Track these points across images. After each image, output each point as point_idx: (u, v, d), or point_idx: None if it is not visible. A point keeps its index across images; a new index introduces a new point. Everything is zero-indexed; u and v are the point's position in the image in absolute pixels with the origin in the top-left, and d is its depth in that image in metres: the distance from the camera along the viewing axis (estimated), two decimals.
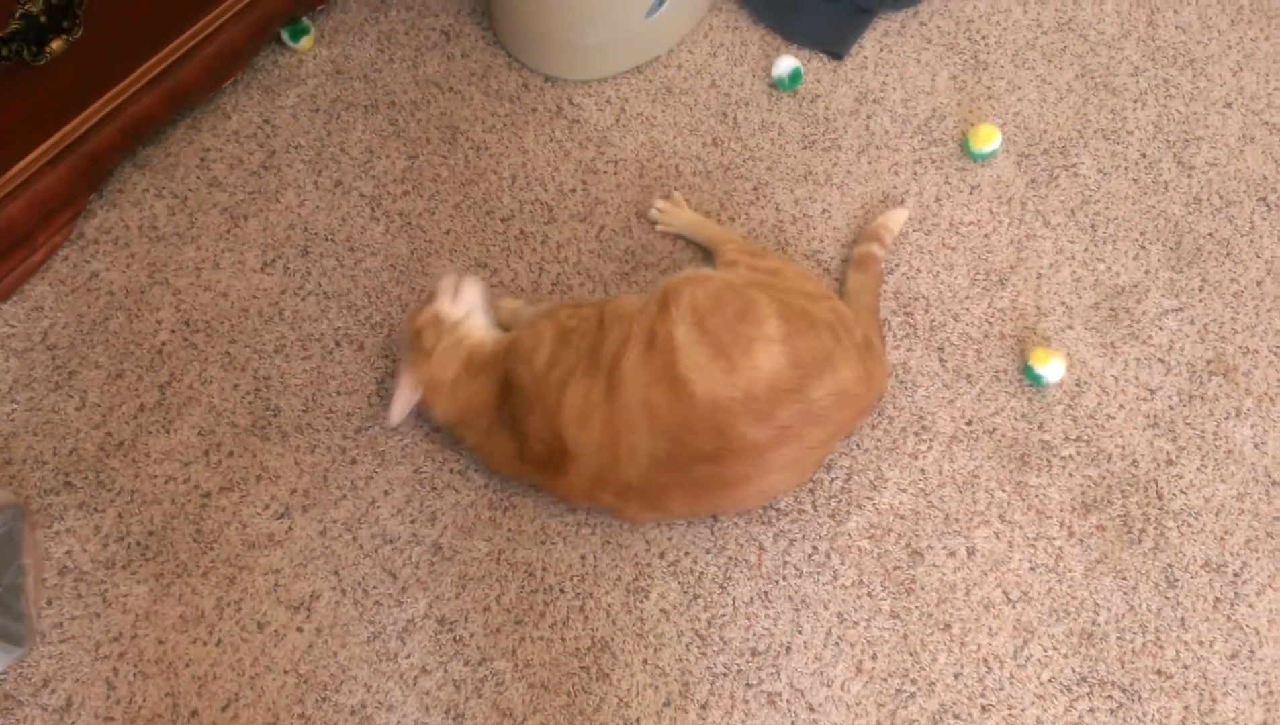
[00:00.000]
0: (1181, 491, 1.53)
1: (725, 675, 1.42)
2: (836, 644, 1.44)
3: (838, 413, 1.40)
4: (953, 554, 1.49)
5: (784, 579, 1.47)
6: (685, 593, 1.46)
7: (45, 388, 1.57)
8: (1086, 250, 1.68)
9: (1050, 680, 1.42)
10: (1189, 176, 1.75)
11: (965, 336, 1.62)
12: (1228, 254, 1.69)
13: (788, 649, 1.43)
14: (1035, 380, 1.57)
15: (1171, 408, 1.58)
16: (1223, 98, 1.82)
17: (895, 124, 1.78)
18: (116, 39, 1.51)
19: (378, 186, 1.72)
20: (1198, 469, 1.54)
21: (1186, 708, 1.41)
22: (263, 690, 1.41)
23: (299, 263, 1.67)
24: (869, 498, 1.52)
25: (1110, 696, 1.41)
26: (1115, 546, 1.49)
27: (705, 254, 1.64)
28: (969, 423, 1.56)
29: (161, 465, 1.53)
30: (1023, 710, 1.40)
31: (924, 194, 1.72)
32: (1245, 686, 1.42)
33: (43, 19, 1.38)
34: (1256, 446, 1.55)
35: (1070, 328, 1.63)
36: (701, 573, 1.47)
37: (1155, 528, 1.50)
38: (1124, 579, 1.47)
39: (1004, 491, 1.52)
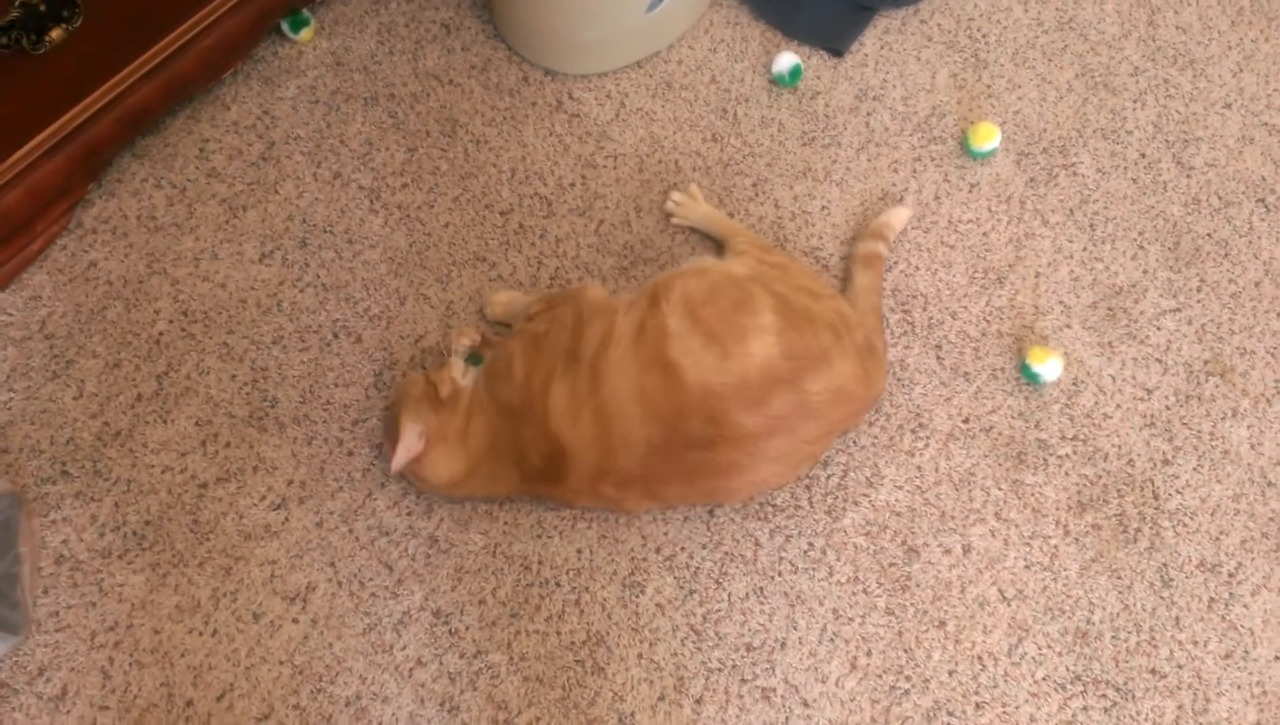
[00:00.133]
0: (1177, 491, 1.53)
1: (720, 670, 1.42)
2: (831, 640, 1.44)
3: (833, 410, 1.40)
4: (948, 551, 1.49)
5: (780, 575, 1.47)
6: (681, 587, 1.47)
7: (43, 377, 1.57)
8: (1085, 249, 1.69)
9: (1044, 678, 1.42)
10: (1188, 177, 1.75)
11: (963, 334, 1.62)
12: (1226, 255, 1.69)
13: (783, 645, 1.44)
14: (1032, 379, 1.57)
15: (1168, 408, 1.58)
16: (1222, 98, 1.82)
17: (895, 121, 1.78)
18: (116, 29, 1.51)
19: (377, 179, 1.72)
20: (1194, 469, 1.54)
21: (1180, 707, 1.41)
22: (258, 681, 1.41)
23: (297, 254, 1.67)
24: (865, 494, 1.52)
25: (1104, 695, 1.41)
26: (1111, 545, 1.49)
27: (717, 248, 1.64)
28: (966, 421, 1.56)
29: (158, 455, 1.53)
30: (1016, 708, 1.40)
31: (923, 192, 1.72)
32: (1239, 686, 1.42)
33: (42, 7, 1.38)
34: (1253, 447, 1.56)
35: (1068, 327, 1.63)
36: (697, 568, 1.48)
37: (1151, 527, 1.51)
38: (1119, 578, 1.48)
39: (1000, 490, 1.52)
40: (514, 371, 1.41)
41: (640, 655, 1.43)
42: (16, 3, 1.34)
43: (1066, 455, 1.54)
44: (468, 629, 1.44)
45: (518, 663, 1.42)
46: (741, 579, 1.47)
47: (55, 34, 1.40)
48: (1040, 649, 1.44)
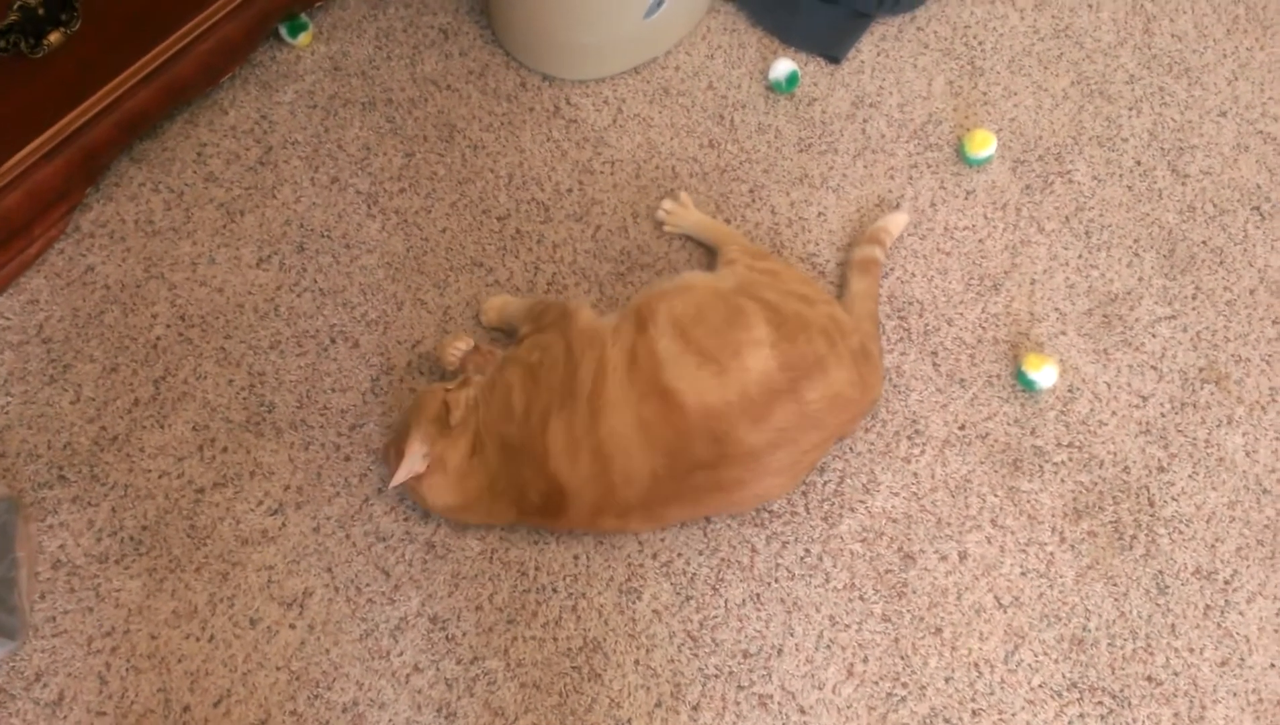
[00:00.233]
0: (1173, 498, 1.53)
1: (717, 677, 1.42)
2: (828, 647, 1.44)
3: (831, 416, 1.40)
4: (944, 558, 1.49)
5: (776, 581, 1.48)
6: (678, 594, 1.47)
7: (40, 381, 1.56)
8: (1080, 256, 1.69)
9: (1041, 685, 1.42)
10: (1183, 184, 1.76)
11: (959, 341, 1.62)
12: (1221, 262, 1.69)
13: (779, 651, 1.44)
14: (1028, 386, 1.58)
15: (1164, 415, 1.59)
16: (1217, 106, 1.82)
17: (891, 128, 1.79)
18: (114, 32, 1.51)
19: (374, 184, 1.72)
20: (1189, 476, 1.55)
21: (1176, 714, 1.41)
22: (255, 686, 1.41)
23: (295, 259, 1.67)
24: (861, 501, 1.52)
25: (1100, 702, 1.42)
26: (1106, 553, 1.50)
27: (709, 255, 1.64)
28: (962, 427, 1.57)
29: (155, 460, 1.53)
30: (1013, 715, 1.41)
31: (919, 199, 1.72)
32: (1235, 694, 1.43)
33: (41, 11, 1.37)
34: (1248, 454, 1.56)
35: (1063, 334, 1.63)
36: (694, 574, 1.48)
37: (1146, 534, 1.51)
38: (1115, 585, 1.48)
39: (996, 496, 1.53)
40: (513, 405, 1.39)
41: (637, 662, 1.43)
42: (15, 6, 1.34)
43: (1062, 462, 1.55)
44: (464, 635, 1.44)
45: (514, 669, 1.42)
46: (738, 585, 1.47)
47: (53, 38, 1.40)
48: (1036, 656, 1.44)
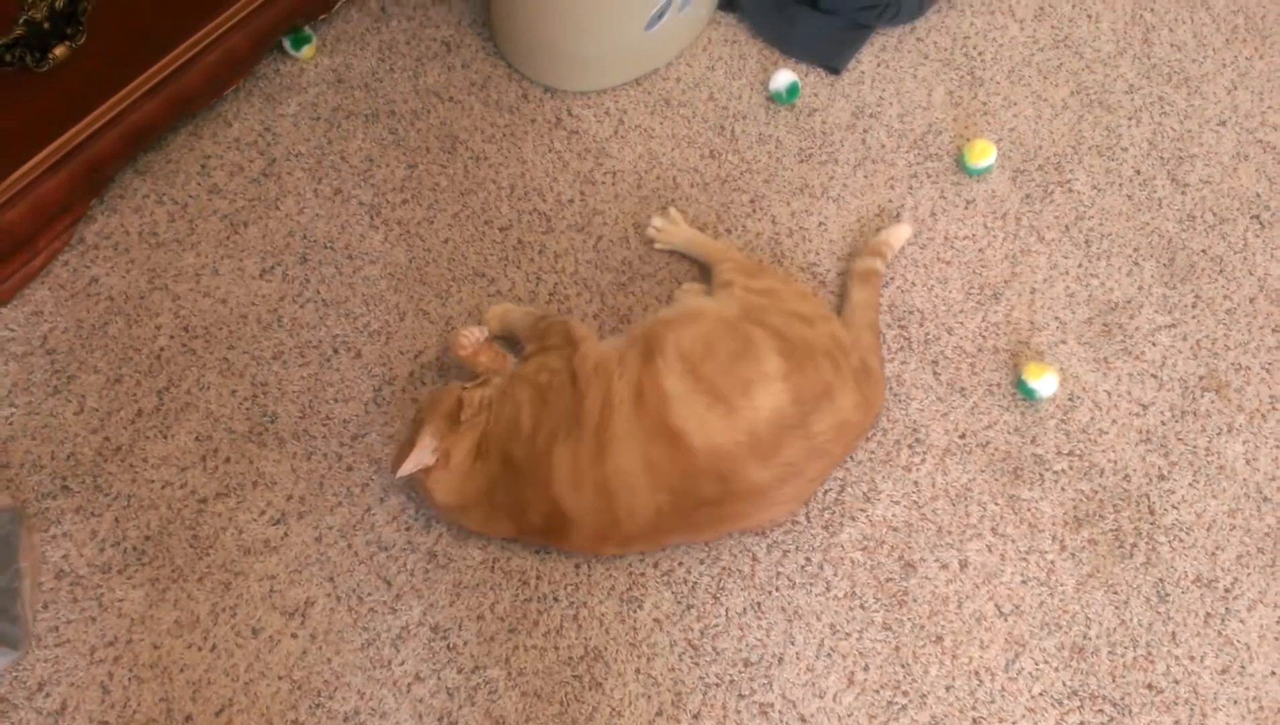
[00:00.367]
0: (1173, 507, 1.53)
1: (718, 685, 1.42)
2: (829, 655, 1.44)
3: (837, 445, 1.41)
4: (945, 566, 1.49)
5: (777, 590, 1.48)
6: (678, 603, 1.47)
7: (44, 392, 1.57)
8: (1080, 266, 1.70)
9: (1041, 693, 1.42)
10: (1183, 193, 1.76)
11: (959, 350, 1.63)
12: (1221, 271, 1.70)
13: (780, 660, 1.44)
14: (1028, 394, 1.58)
15: (1164, 423, 1.59)
16: (1217, 116, 1.83)
17: (891, 138, 1.79)
18: (119, 46, 1.52)
19: (377, 195, 1.73)
20: (1189, 484, 1.55)
21: (1177, 722, 1.41)
22: (257, 696, 1.41)
23: (298, 270, 1.67)
24: (862, 509, 1.52)
25: (1101, 710, 1.42)
26: (1107, 561, 1.50)
27: (703, 269, 1.65)
28: (962, 436, 1.57)
29: (158, 470, 1.53)
30: (1014, 723, 1.41)
31: (919, 208, 1.73)
32: (1235, 702, 1.42)
33: (46, 25, 1.39)
34: (1248, 462, 1.56)
35: (1063, 342, 1.64)
36: (695, 583, 1.48)
37: (1147, 542, 1.51)
38: (1115, 593, 1.48)
39: (996, 505, 1.53)
40: (521, 424, 1.39)
41: (638, 670, 1.43)
42: (21, 20, 1.35)
43: (1062, 471, 1.55)
44: (466, 644, 1.45)
45: (516, 678, 1.43)
46: (739, 594, 1.47)
47: (59, 51, 1.41)
48: (1037, 664, 1.44)
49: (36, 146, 1.52)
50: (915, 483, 1.54)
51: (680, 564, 1.49)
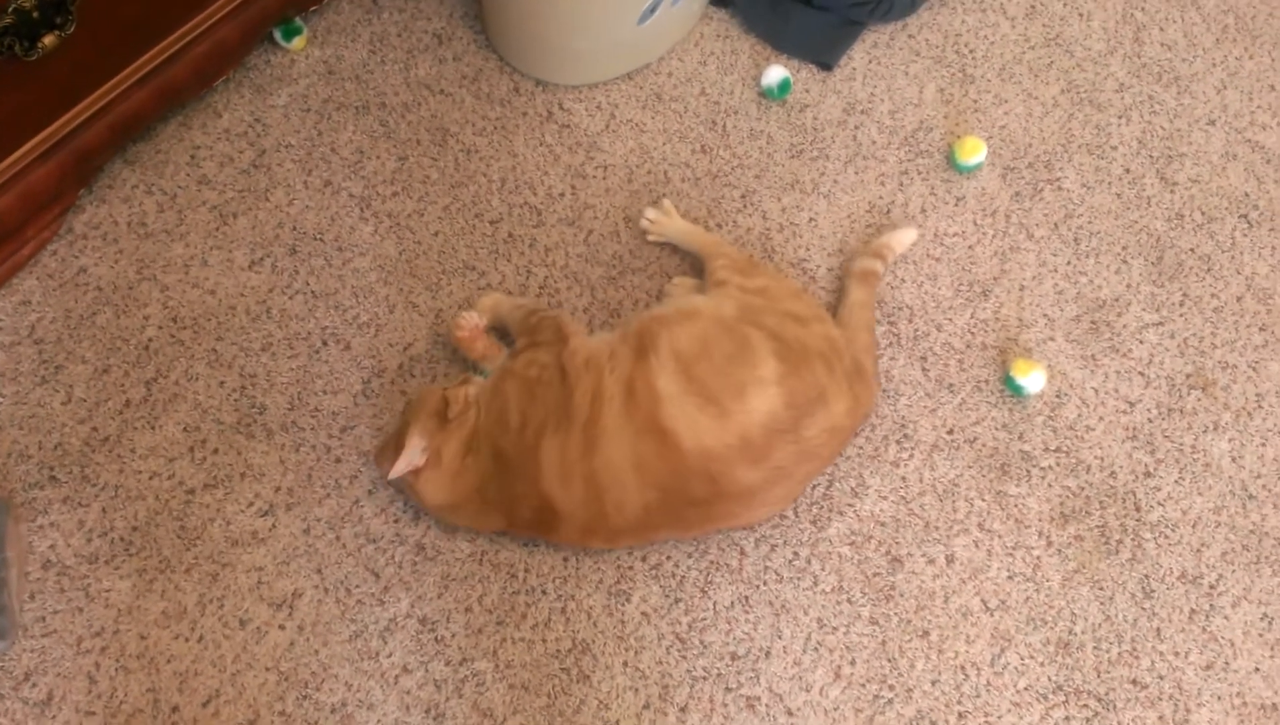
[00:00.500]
0: (1159, 503, 1.54)
1: (705, 679, 1.43)
2: (816, 649, 1.45)
3: (828, 448, 1.41)
4: (932, 562, 1.50)
5: (765, 584, 1.48)
6: (666, 596, 1.47)
7: (31, 382, 1.57)
8: (1069, 263, 1.70)
9: (1026, 688, 1.43)
10: (1172, 192, 1.77)
11: (948, 346, 1.63)
12: (1209, 269, 1.71)
13: (767, 654, 1.44)
14: (1016, 391, 1.59)
15: (1150, 420, 1.59)
16: (1206, 115, 1.84)
17: (882, 135, 1.80)
18: (109, 35, 1.51)
19: (367, 187, 1.73)
20: (1175, 482, 1.56)
21: (1161, 718, 1.42)
22: (244, 687, 1.41)
23: (287, 261, 1.67)
24: (850, 504, 1.53)
25: (1086, 705, 1.42)
26: (1093, 557, 1.51)
27: (694, 263, 1.65)
28: (950, 432, 1.57)
29: (146, 461, 1.53)
30: (999, 718, 1.41)
31: (910, 205, 1.73)
32: (1219, 698, 1.43)
33: (35, 14, 1.38)
34: (1234, 460, 1.57)
35: (1052, 340, 1.64)
36: (683, 577, 1.48)
37: (1133, 539, 1.52)
38: (1101, 589, 1.49)
39: (983, 500, 1.53)
40: (510, 419, 1.39)
41: (625, 663, 1.44)
42: (10, 9, 1.35)
43: (1049, 467, 1.56)
44: (454, 636, 1.45)
45: (503, 670, 1.43)
46: (727, 588, 1.48)
47: (48, 40, 1.41)
48: (1022, 659, 1.45)
49: (25, 136, 1.51)
50: (903, 478, 1.55)
51: (668, 558, 1.49)
